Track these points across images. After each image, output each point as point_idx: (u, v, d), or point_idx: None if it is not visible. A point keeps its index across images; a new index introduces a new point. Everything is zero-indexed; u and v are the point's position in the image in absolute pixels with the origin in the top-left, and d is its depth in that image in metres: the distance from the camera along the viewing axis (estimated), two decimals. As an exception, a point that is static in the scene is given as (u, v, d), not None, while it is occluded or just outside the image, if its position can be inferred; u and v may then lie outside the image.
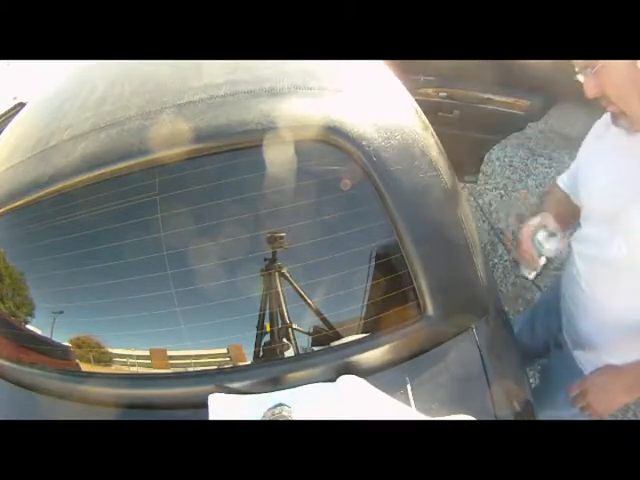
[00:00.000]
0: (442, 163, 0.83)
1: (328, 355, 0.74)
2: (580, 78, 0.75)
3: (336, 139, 0.73)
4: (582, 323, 0.97)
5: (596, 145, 0.90)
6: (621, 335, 0.87)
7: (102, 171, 0.72)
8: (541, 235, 0.89)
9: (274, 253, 0.72)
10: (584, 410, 0.89)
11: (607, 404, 0.87)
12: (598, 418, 0.89)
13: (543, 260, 0.91)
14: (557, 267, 2.21)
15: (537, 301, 1.32)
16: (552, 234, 0.88)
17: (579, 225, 0.95)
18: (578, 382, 0.91)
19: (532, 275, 0.95)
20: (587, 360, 0.96)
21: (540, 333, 1.19)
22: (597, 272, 0.90)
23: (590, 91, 0.74)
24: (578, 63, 0.74)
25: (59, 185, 0.73)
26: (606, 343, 0.91)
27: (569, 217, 1.01)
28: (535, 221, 0.93)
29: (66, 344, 0.76)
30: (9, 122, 1.08)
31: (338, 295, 0.76)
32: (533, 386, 1.37)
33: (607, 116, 0.84)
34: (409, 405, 0.69)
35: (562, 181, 1.03)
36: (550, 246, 0.88)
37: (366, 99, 0.85)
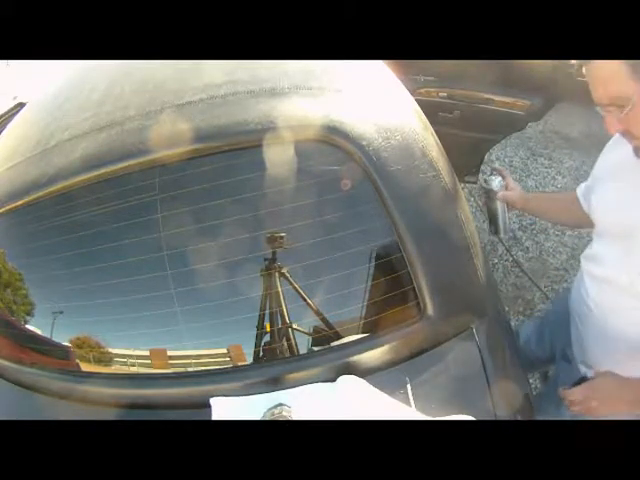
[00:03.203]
0: (442, 163, 0.83)
1: (328, 355, 0.74)
2: (600, 112, 0.73)
3: (336, 139, 0.73)
4: (590, 342, 0.95)
5: (613, 162, 0.87)
6: (629, 357, 0.85)
7: (102, 171, 0.72)
8: (487, 176, 1.12)
9: (274, 253, 0.72)
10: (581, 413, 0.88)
11: (608, 414, 0.84)
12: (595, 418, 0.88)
13: (484, 196, 1.13)
14: (557, 267, 2.22)
15: (547, 310, 1.32)
16: (494, 174, 1.10)
17: (590, 242, 0.94)
18: (579, 387, 0.88)
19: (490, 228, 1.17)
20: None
21: (548, 344, 1.18)
22: (605, 294, 0.88)
23: (613, 128, 0.72)
24: (600, 102, 0.71)
25: (59, 185, 0.73)
26: (614, 363, 0.89)
27: (573, 217, 1.02)
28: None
29: (66, 344, 0.77)
30: (9, 122, 1.08)
31: (338, 295, 0.76)
32: (536, 393, 1.37)
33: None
34: (409, 405, 0.69)
35: (580, 189, 1.02)
36: (491, 183, 1.09)
37: (366, 99, 0.85)
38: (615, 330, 0.87)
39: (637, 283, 0.79)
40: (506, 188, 1.09)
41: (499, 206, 1.10)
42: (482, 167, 2.08)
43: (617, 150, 0.86)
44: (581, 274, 0.98)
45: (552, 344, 1.16)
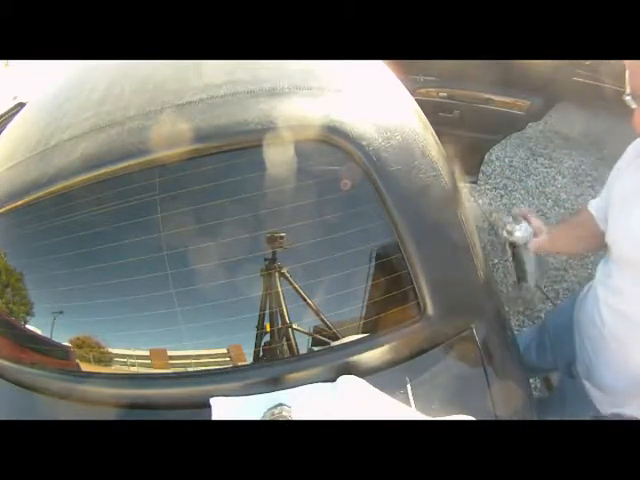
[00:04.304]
0: (442, 163, 0.83)
1: (328, 355, 0.74)
2: (630, 104, 0.69)
3: (336, 139, 0.73)
4: (601, 368, 0.92)
5: (632, 176, 0.81)
6: None
7: (102, 171, 0.72)
8: (509, 225, 0.94)
9: (274, 253, 0.72)
10: None
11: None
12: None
13: (509, 247, 0.96)
14: (557, 267, 2.22)
15: (546, 321, 1.26)
16: (518, 221, 0.93)
17: (606, 264, 0.90)
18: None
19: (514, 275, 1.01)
20: (602, 400, 0.93)
21: (550, 356, 1.15)
22: (625, 328, 0.84)
23: None
24: (635, 88, 0.67)
25: (59, 185, 0.73)
26: (626, 392, 0.88)
27: (591, 242, 0.97)
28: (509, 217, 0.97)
29: (66, 344, 0.76)
30: (9, 122, 1.08)
31: (338, 295, 0.76)
32: (536, 396, 1.36)
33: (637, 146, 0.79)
34: (409, 405, 0.69)
35: (592, 207, 0.96)
36: (516, 233, 0.93)
37: (366, 99, 0.85)
38: (632, 363, 0.84)
39: None
40: (534, 234, 0.94)
41: (529, 256, 0.95)
42: (482, 168, 2.08)
43: (636, 162, 0.81)
44: (594, 297, 0.93)
45: (554, 357, 1.14)
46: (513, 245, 0.94)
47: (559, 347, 1.11)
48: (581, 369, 1.00)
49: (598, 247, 0.93)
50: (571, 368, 1.03)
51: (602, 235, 0.90)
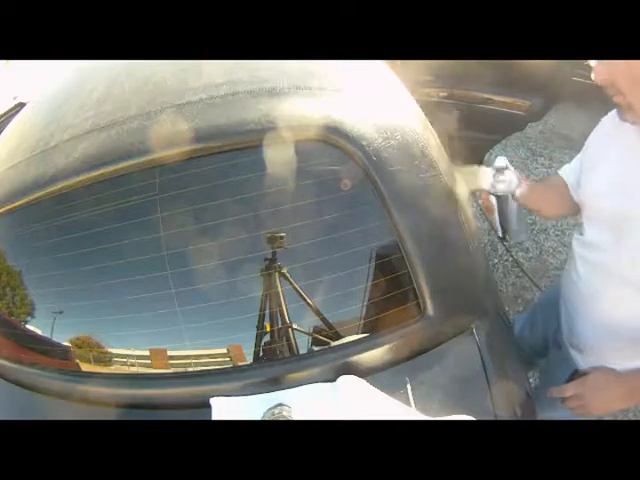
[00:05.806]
0: (442, 163, 0.83)
1: (328, 355, 0.74)
2: (591, 62, 0.73)
3: (336, 139, 0.73)
4: (580, 326, 0.95)
5: (603, 142, 0.87)
6: (619, 342, 0.86)
7: (102, 171, 0.72)
8: (490, 174, 0.93)
9: (274, 253, 0.72)
10: (576, 411, 0.87)
11: (603, 409, 0.85)
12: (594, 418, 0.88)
13: (494, 200, 0.95)
14: (557, 267, 2.22)
15: (539, 299, 1.31)
16: (500, 171, 0.91)
17: (581, 226, 0.94)
18: (573, 383, 0.89)
19: (499, 230, 0.98)
20: (586, 362, 0.95)
21: (540, 331, 1.18)
22: (598, 279, 0.88)
23: (599, 77, 0.72)
24: None
25: (59, 185, 0.73)
26: (604, 348, 0.90)
27: (559, 205, 1.01)
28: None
29: (66, 344, 0.77)
30: (9, 122, 1.08)
31: (338, 295, 0.76)
32: (533, 386, 1.37)
33: (615, 112, 0.82)
34: (409, 405, 0.69)
35: (564, 172, 1.00)
36: (499, 184, 0.92)
37: (366, 99, 0.85)
38: (606, 315, 0.87)
39: (628, 268, 0.79)
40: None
41: (514, 208, 0.95)
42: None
43: (607, 130, 0.86)
44: (572, 258, 0.97)
45: (544, 330, 1.16)
46: (497, 197, 0.95)
47: (548, 317, 1.13)
48: (565, 334, 1.01)
49: (568, 211, 0.99)
50: (557, 337, 1.05)
51: (570, 199, 0.95)
